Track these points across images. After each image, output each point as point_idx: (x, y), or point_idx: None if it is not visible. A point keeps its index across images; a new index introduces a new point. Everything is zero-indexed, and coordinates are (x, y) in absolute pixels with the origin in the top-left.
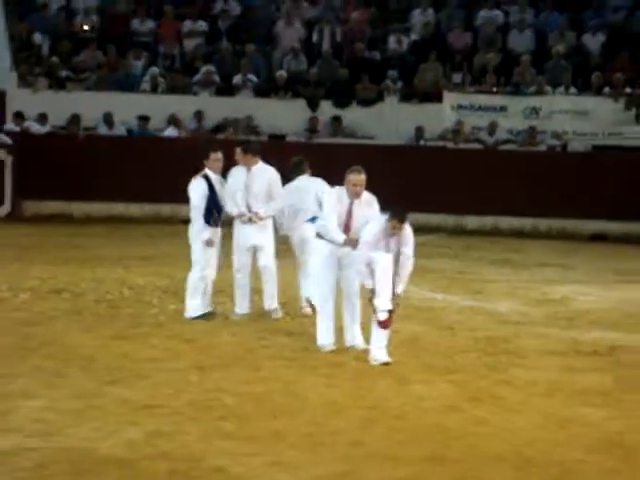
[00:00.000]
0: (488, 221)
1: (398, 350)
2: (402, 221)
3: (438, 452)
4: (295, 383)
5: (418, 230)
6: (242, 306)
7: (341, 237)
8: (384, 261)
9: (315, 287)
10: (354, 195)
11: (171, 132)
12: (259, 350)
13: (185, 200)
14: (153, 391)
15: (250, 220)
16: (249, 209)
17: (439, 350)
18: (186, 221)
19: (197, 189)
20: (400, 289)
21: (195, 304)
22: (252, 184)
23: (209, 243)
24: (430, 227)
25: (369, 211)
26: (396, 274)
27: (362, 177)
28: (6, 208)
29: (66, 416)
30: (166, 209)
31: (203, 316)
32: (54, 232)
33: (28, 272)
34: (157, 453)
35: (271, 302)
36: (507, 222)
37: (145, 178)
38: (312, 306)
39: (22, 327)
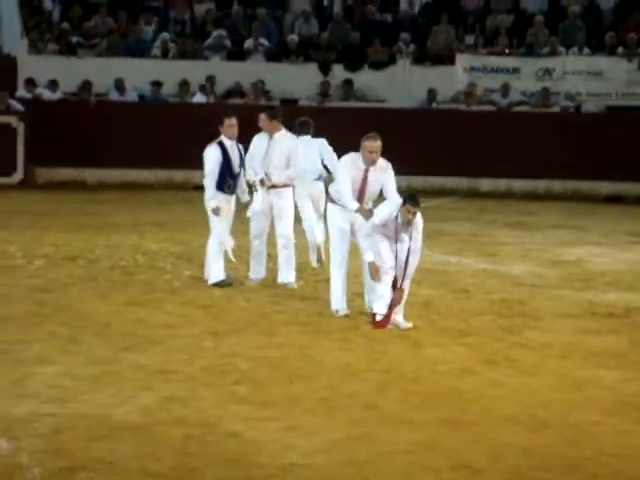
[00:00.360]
0: (501, 183)
1: (412, 314)
2: (415, 205)
3: (453, 415)
4: (309, 348)
5: (431, 193)
6: (258, 272)
7: (354, 205)
8: (388, 263)
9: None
10: (370, 162)
11: (200, 98)
12: (273, 315)
13: (198, 166)
14: (168, 357)
15: (262, 183)
16: (268, 177)
17: (453, 313)
18: (200, 187)
19: (211, 156)
20: (405, 284)
21: (217, 268)
22: (273, 152)
23: (215, 211)
24: (443, 190)
25: (384, 176)
26: (401, 268)
27: (378, 144)
28: (19, 175)
29: (81, 382)
30: (179, 175)
31: (222, 282)
32: (67, 199)
33: (42, 239)
34: (172, 418)
35: (286, 275)
36: (520, 184)
37: (158, 144)
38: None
39: (37, 294)
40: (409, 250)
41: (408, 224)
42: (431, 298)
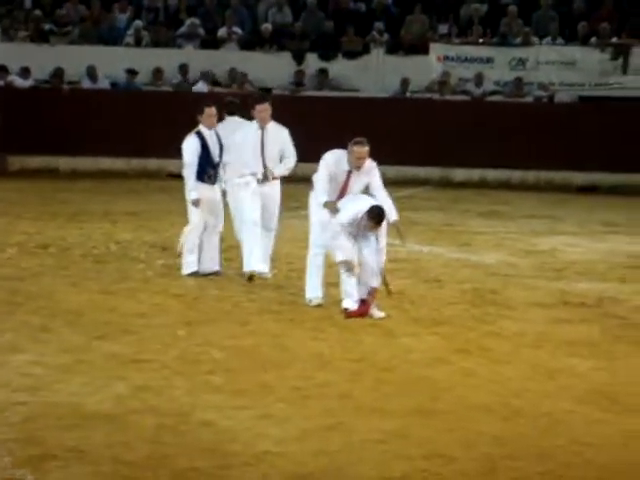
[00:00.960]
0: (475, 173)
1: (385, 303)
2: (377, 224)
3: (426, 404)
4: (283, 337)
5: (405, 183)
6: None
7: (323, 199)
8: (351, 258)
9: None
10: (356, 167)
11: (201, 87)
12: (247, 304)
13: (172, 155)
14: (141, 346)
15: (265, 178)
16: (265, 168)
17: (426, 303)
18: (175, 175)
19: (189, 146)
20: (376, 282)
21: (189, 261)
22: (268, 143)
23: (195, 203)
24: (417, 180)
25: (368, 177)
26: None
27: (366, 149)
28: None
29: (54, 371)
30: (153, 163)
31: (194, 274)
32: (40, 187)
33: (14, 227)
34: (145, 407)
35: (263, 265)
36: (494, 174)
37: (131, 132)
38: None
39: (8, 282)
40: (375, 250)
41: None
42: (404, 287)
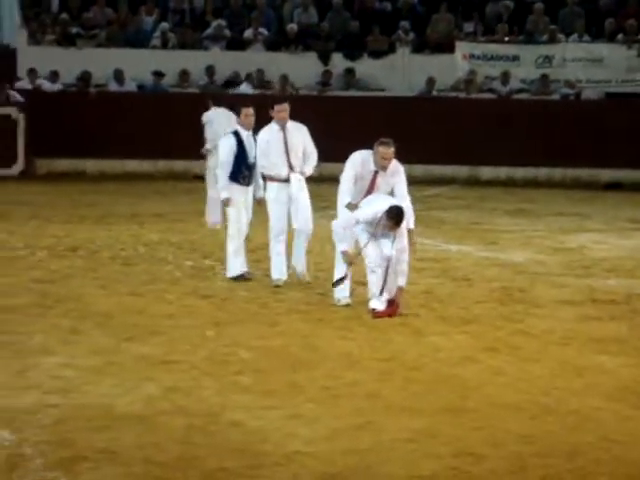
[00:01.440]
0: (502, 171)
1: (414, 302)
2: (396, 224)
3: (455, 403)
4: (311, 337)
5: (432, 182)
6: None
7: (346, 199)
8: (375, 262)
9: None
10: (381, 167)
11: (245, 88)
12: (275, 305)
13: (198, 156)
14: (170, 347)
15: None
16: (291, 167)
17: (455, 301)
18: (200, 177)
19: (225, 146)
20: (402, 281)
21: (233, 263)
22: (293, 143)
23: (226, 202)
24: (444, 178)
25: (393, 180)
26: (394, 270)
27: (391, 150)
28: (19, 167)
29: (84, 373)
30: (179, 165)
31: (240, 277)
32: (68, 190)
33: (44, 230)
34: (174, 408)
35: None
36: (521, 172)
37: (158, 134)
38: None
39: (38, 285)
40: (397, 249)
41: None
42: (432, 286)
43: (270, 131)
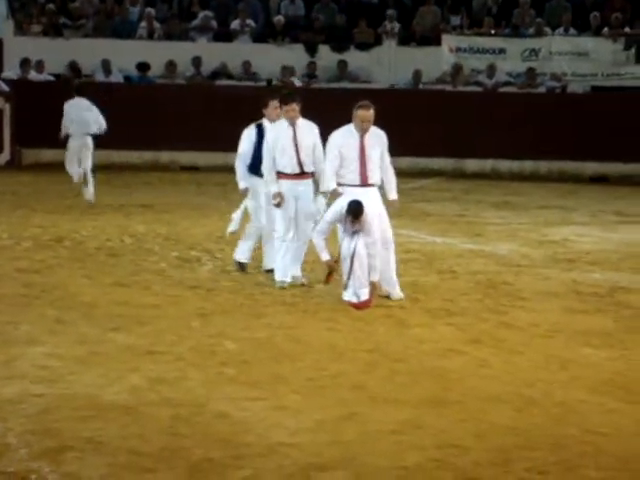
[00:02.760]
0: (488, 164)
1: None
2: (355, 218)
3: (439, 395)
4: (296, 328)
5: (417, 174)
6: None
7: (331, 185)
8: (361, 256)
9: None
10: (362, 130)
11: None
12: (260, 296)
13: (183, 147)
14: (155, 337)
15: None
16: (301, 166)
17: (439, 294)
18: (189, 168)
19: (246, 137)
20: (374, 276)
21: (244, 247)
22: (301, 138)
23: (244, 192)
24: (429, 171)
25: (380, 142)
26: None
27: (371, 112)
28: (5, 156)
29: (70, 363)
30: (165, 156)
31: (241, 265)
32: (54, 180)
33: (29, 220)
34: (160, 399)
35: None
36: (507, 165)
37: (143, 125)
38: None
39: (24, 275)
40: (367, 244)
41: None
42: (417, 278)
43: (279, 127)
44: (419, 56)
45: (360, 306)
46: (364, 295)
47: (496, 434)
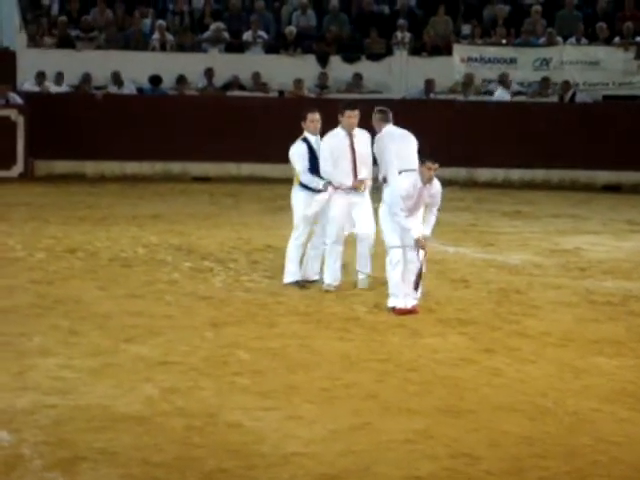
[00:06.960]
0: (499, 173)
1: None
2: (435, 161)
3: (452, 404)
4: (309, 338)
5: None
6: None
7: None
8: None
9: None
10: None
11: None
12: (273, 306)
13: (195, 158)
14: (168, 348)
15: (358, 188)
16: (356, 176)
17: (452, 303)
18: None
19: (298, 153)
20: (428, 231)
21: (290, 269)
22: (358, 148)
23: (325, 187)
24: (441, 180)
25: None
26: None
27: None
28: (18, 168)
29: (83, 374)
30: (176, 167)
31: (296, 283)
32: (67, 192)
33: (42, 232)
34: (173, 409)
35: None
36: (519, 174)
37: (156, 136)
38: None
39: (37, 286)
40: (430, 211)
41: (429, 181)
42: (430, 288)
43: (336, 137)
44: (430, 66)
45: (412, 311)
46: (411, 302)
47: (509, 443)
